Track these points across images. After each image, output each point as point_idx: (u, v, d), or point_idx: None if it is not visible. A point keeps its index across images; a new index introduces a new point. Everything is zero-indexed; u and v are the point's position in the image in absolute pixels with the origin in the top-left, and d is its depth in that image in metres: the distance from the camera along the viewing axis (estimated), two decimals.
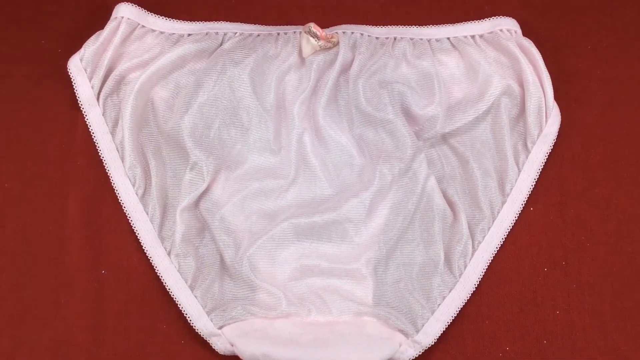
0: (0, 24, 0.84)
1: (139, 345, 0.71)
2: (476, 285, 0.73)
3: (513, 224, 0.76)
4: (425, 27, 0.80)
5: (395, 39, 0.79)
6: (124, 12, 0.79)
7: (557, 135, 0.78)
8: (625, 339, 0.72)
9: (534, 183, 0.77)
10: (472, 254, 0.74)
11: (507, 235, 0.75)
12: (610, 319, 0.73)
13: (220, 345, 0.70)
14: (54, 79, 0.81)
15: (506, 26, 0.79)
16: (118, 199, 0.75)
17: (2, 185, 0.77)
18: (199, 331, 0.70)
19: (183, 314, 0.71)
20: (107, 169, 0.76)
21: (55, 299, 0.73)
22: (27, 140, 0.80)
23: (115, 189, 0.76)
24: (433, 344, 0.71)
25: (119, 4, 0.80)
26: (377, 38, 0.79)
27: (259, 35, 0.79)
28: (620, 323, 0.73)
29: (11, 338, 0.72)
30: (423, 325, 0.70)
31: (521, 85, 0.78)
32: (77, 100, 0.79)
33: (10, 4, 0.85)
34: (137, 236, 0.74)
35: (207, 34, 0.79)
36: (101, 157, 0.77)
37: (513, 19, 0.81)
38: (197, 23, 0.80)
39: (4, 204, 0.77)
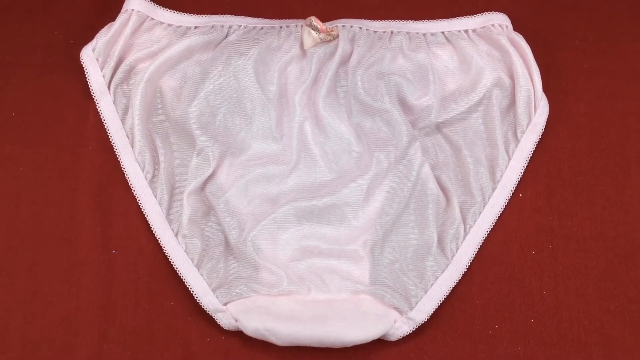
0: (15, 15, 0.85)
1: (148, 321, 0.74)
2: (467, 267, 0.75)
3: (503, 209, 0.78)
4: (421, 21, 0.82)
5: (392, 32, 0.81)
6: (134, 5, 0.81)
7: (546, 125, 0.80)
8: (609, 319, 0.75)
9: (523, 170, 0.79)
10: (464, 237, 0.76)
11: (497, 219, 0.77)
12: (595, 299, 0.75)
13: (225, 320, 0.72)
14: (66, 69, 0.83)
15: (498, 21, 0.81)
16: (128, 183, 0.77)
17: (17, 169, 0.79)
18: (204, 307, 0.73)
19: (190, 291, 0.73)
20: (118, 154, 0.78)
21: (68, 277, 0.75)
22: (41, 126, 0.81)
23: (125, 173, 0.78)
24: (426, 321, 0.73)
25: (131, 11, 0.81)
26: (375, 32, 0.81)
27: (262, 28, 0.81)
28: (604, 303, 0.75)
29: (25, 314, 0.74)
30: (417, 303, 0.73)
31: (511, 77, 0.80)
32: (89, 88, 0.80)
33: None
34: (146, 218, 0.76)
35: (212, 26, 0.81)
36: (112, 143, 0.79)
37: (504, 15, 0.82)
38: (204, 16, 0.82)
39: (19, 187, 0.79)
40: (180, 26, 0.81)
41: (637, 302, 0.75)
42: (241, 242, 0.74)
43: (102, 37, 0.80)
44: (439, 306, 0.74)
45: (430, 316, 0.73)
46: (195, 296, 0.73)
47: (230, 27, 0.81)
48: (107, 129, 0.79)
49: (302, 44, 0.80)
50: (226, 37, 0.81)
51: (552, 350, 0.73)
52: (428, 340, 0.74)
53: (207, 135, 0.77)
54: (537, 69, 0.80)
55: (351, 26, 0.81)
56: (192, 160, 0.77)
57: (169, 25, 0.81)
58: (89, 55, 0.80)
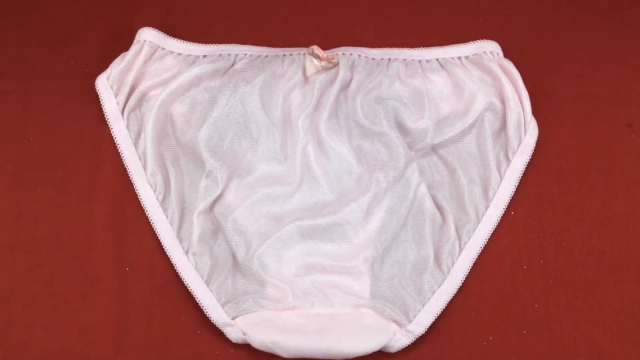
0: (34, 46, 0.87)
1: (160, 335, 0.76)
2: (463, 281, 0.77)
3: (496, 226, 0.79)
4: (417, 49, 0.84)
5: (389, 59, 0.83)
6: (146, 36, 0.83)
7: (535, 147, 0.82)
8: (597, 330, 0.77)
9: (515, 189, 0.80)
10: (459, 253, 0.78)
11: (490, 236, 0.79)
12: (584, 311, 0.77)
13: (233, 334, 0.75)
14: (82, 96, 0.84)
15: (489, 49, 0.83)
16: (140, 204, 0.80)
17: (36, 191, 0.81)
18: (214, 322, 0.75)
19: (200, 306, 0.76)
20: (131, 176, 0.80)
21: (84, 294, 0.77)
22: (58, 151, 0.83)
23: (138, 194, 0.80)
24: (424, 333, 0.75)
25: (142, 28, 0.84)
26: (373, 59, 0.83)
27: (267, 57, 0.83)
28: (593, 315, 0.77)
29: (45, 328, 0.76)
30: (415, 317, 0.75)
31: (502, 101, 0.81)
32: (104, 114, 0.83)
33: (44, 29, 0.88)
34: (157, 237, 0.78)
35: (220, 55, 0.83)
36: (125, 166, 0.81)
37: (495, 42, 0.84)
38: (212, 45, 0.84)
39: (38, 208, 0.81)
40: (190, 55, 0.83)
41: (624, 313, 0.77)
42: (248, 259, 0.76)
43: (116, 66, 0.82)
44: (436, 319, 0.75)
45: (427, 329, 0.75)
46: (205, 311, 0.75)
47: (236, 55, 0.83)
48: (121, 152, 0.81)
49: (304, 71, 0.82)
50: (233, 65, 0.83)
51: None
52: (426, 352, 0.76)
53: (215, 158, 0.79)
54: (527, 94, 0.81)
55: (351, 54, 0.83)
56: (201, 182, 0.79)
57: (179, 54, 0.83)
58: (103, 84, 0.83)
